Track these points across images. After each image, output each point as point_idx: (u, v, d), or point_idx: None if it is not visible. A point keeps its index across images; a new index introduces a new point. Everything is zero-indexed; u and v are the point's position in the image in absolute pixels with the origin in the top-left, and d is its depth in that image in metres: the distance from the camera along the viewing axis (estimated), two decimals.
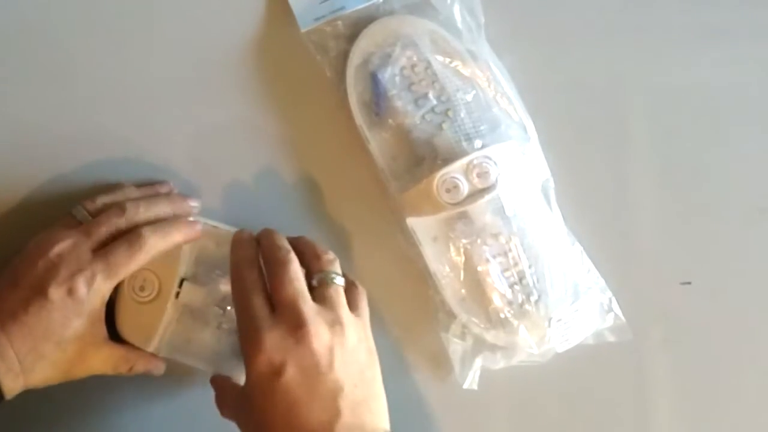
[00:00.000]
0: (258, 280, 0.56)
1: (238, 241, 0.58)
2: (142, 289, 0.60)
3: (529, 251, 0.62)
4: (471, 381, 0.63)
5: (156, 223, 0.59)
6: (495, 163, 0.60)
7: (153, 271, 0.60)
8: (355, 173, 0.65)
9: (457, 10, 0.63)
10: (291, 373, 0.52)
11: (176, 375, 0.64)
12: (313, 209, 0.65)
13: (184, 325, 0.62)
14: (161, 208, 0.61)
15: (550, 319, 0.62)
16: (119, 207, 0.59)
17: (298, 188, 0.65)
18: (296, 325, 0.53)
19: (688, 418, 0.66)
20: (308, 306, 0.54)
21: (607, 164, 0.66)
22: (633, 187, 0.66)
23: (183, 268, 0.61)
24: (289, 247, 0.57)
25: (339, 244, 0.65)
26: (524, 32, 0.65)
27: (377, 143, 0.63)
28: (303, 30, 0.63)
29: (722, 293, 0.66)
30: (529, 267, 0.62)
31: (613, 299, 0.64)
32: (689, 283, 0.66)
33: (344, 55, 0.63)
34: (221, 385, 0.59)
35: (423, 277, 0.64)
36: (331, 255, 0.58)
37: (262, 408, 0.53)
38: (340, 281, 0.57)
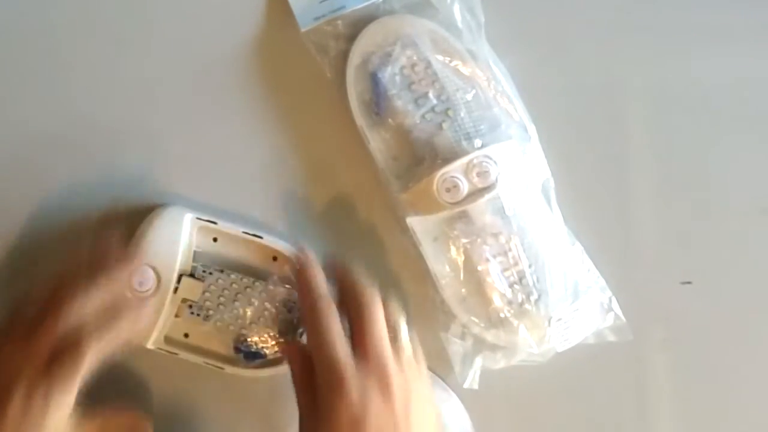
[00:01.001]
0: (339, 323, 0.55)
1: (308, 267, 0.58)
2: (140, 284, 0.60)
3: (529, 251, 0.62)
4: (471, 381, 0.63)
5: (100, 319, 0.54)
6: (495, 162, 0.60)
7: (151, 267, 0.60)
8: (355, 173, 0.65)
9: (457, 9, 0.63)
10: (371, 428, 0.52)
11: (174, 371, 0.64)
12: (313, 209, 0.65)
13: (182, 320, 0.62)
14: (102, 296, 0.55)
15: (550, 319, 0.62)
16: (60, 313, 0.54)
17: (298, 188, 0.65)
18: (382, 381, 0.53)
19: (689, 417, 0.66)
20: (393, 362, 0.54)
21: (608, 164, 0.66)
22: (633, 186, 0.66)
23: (181, 264, 0.61)
24: (376, 293, 0.56)
25: (339, 244, 0.65)
26: (524, 32, 0.65)
27: (377, 143, 0.63)
28: (303, 29, 0.63)
29: (723, 293, 0.66)
30: (529, 266, 0.62)
31: (613, 299, 0.64)
32: (690, 282, 0.66)
33: (344, 55, 0.63)
34: (302, 368, 0.56)
35: (423, 277, 0.64)
36: (397, 308, 0.58)
37: None
38: (407, 339, 0.57)
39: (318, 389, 0.54)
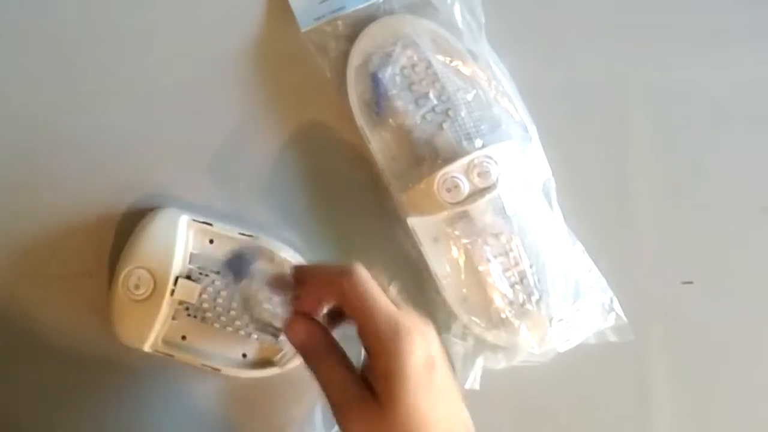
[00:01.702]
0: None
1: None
2: (137, 287, 0.60)
3: (530, 251, 0.62)
4: (473, 381, 0.63)
5: None
6: (496, 162, 0.60)
7: (148, 269, 0.60)
8: (355, 173, 0.65)
9: (457, 9, 0.63)
10: (440, 363, 0.52)
11: (171, 373, 0.64)
12: (313, 209, 0.65)
13: (179, 322, 0.62)
14: None
15: (551, 319, 0.62)
16: None
17: (298, 188, 0.65)
18: (422, 321, 0.52)
19: (690, 417, 0.66)
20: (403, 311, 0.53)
21: (608, 164, 0.66)
22: (634, 186, 0.66)
23: (177, 266, 0.61)
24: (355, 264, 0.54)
25: (339, 245, 0.65)
26: (525, 32, 0.65)
27: (378, 143, 0.63)
28: (303, 30, 0.63)
29: (724, 293, 0.66)
30: (530, 267, 0.62)
31: (615, 299, 0.64)
32: (691, 282, 0.66)
33: (344, 55, 0.63)
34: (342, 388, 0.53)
35: (424, 278, 0.63)
36: (378, 271, 0.56)
37: (418, 406, 0.50)
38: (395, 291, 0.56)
39: (379, 341, 0.51)
